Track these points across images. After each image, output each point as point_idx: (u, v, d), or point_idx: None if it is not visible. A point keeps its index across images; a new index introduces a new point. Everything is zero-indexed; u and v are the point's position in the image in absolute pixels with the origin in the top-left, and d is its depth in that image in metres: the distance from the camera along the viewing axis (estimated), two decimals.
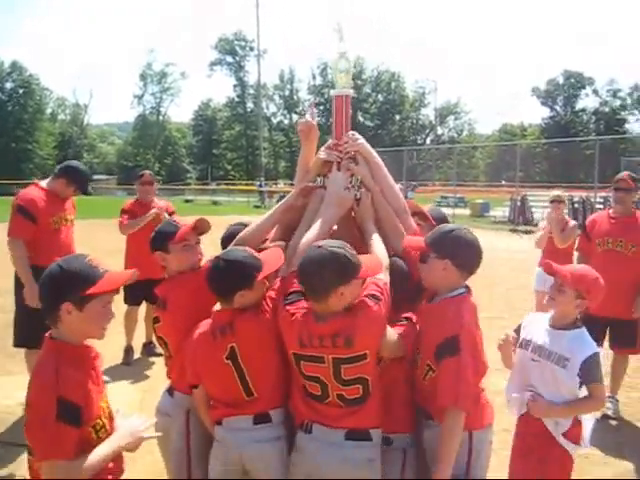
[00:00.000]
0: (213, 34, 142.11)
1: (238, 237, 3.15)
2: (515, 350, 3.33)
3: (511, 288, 11.18)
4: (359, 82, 77.54)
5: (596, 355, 3.11)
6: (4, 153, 65.44)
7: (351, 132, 3.33)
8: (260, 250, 2.99)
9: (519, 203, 25.70)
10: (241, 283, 2.77)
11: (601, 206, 20.68)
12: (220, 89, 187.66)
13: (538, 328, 3.32)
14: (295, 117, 77.93)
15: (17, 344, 5.45)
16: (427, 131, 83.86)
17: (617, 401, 5.56)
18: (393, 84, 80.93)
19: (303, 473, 2.71)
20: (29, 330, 5.08)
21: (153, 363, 6.87)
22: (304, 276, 2.65)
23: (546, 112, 74.89)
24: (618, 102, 70.57)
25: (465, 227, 2.93)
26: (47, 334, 2.34)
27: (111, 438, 2.32)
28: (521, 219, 25.18)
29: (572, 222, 7.02)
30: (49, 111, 79.39)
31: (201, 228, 3.32)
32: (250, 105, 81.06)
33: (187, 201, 43.86)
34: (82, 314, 2.25)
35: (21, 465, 4.50)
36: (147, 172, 7.50)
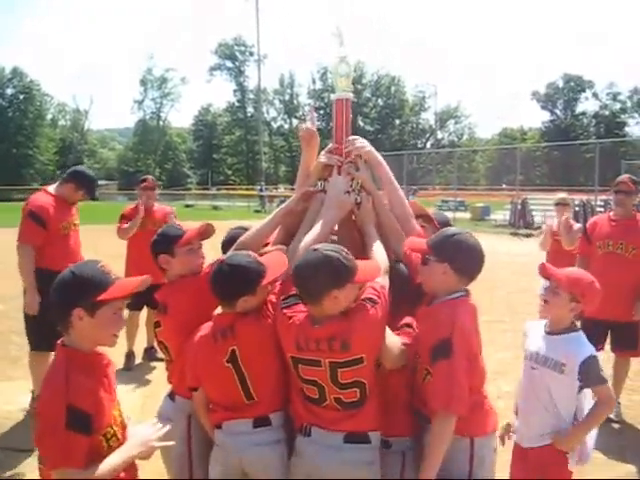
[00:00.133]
0: (213, 39, 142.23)
1: (238, 241, 3.15)
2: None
3: (512, 292, 11.17)
4: (359, 86, 77.63)
5: (593, 357, 3.08)
6: (5, 159, 65.55)
7: (358, 138, 3.33)
8: (261, 254, 2.99)
9: (520, 207, 25.71)
10: (245, 288, 2.78)
11: (602, 209, 20.68)
12: (220, 94, 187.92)
13: (535, 335, 3.31)
14: (295, 122, 78.08)
15: (35, 347, 5.45)
16: (427, 135, 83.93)
17: (619, 404, 5.54)
18: (393, 88, 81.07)
19: (302, 476, 2.71)
20: (40, 334, 5.19)
21: (154, 368, 6.87)
22: (298, 279, 2.66)
23: (546, 116, 75.13)
24: (618, 105, 70.68)
25: (468, 232, 2.90)
26: (59, 341, 2.33)
27: (122, 447, 2.29)
28: (522, 222, 25.19)
29: (577, 225, 7.01)
30: (50, 117, 79.60)
31: (207, 233, 3.34)
32: (250, 110, 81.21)
33: (187, 206, 43.93)
34: (93, 320, 2.24)
35: (20, 471, 4.50)
36: (149, 177, 7.54)
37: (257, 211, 35.80)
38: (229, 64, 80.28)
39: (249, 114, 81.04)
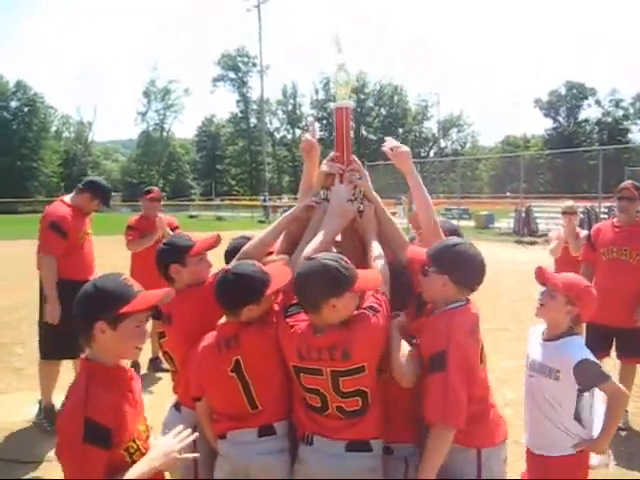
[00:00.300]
0: (216, 51, 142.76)
1: (242, 251, 3.16)
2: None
3: (517, 300, 11.14)
4: (362, 96, 77.98)
5: (586, 360, 3.06)
6: (9, 171, 65.83)
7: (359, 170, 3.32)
8: (264, 264, 3.00)
9: (524, 214, 25.68)
10: (250, 297, 2.78)
11: (606, 216, 20.63)
12: (223, 105, 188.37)
13: (534, 342, 3.33)
14: (298, 132, 78.39)
15: (46, 357, 5.52)
16: (430, 144, 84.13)
17: (626, 411, 5.51)
18: (396, 97, 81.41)
19: None
20: (53, 343, 5.33)
21: (160, 379, 6.86)
22: (297, 288, 2.66)
23: (549, 123, 75.23)
24: (621, 112, 70.74)
25: (468, 242, 2.87)
26: (83, 355, 2.32)
27: (144, 458, 2.26)
28: (526, 230, 25.15)
29: (583, 232, 7.00)
30: (54, 129, 79.97)
31: (217, 244, 3.37)
32: (253, 120, 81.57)
33: (191, 217, 44.05)
34: (116, 333, 2.23)
35: None
36: (155, 188, 7.58)
37: (261, 221, 35.80)
38: (232, 75, 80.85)
39: (252, 125, 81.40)
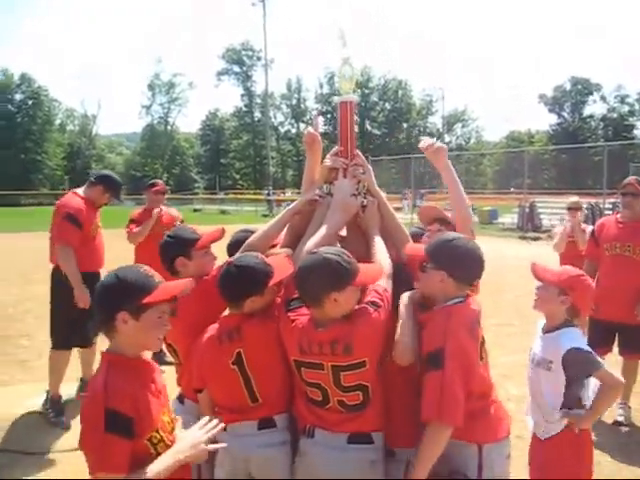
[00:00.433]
0: (220, 44, 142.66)
1: (246, 243, 3.17)
2: None
3: (520, 295, 11.12)
4: (366, 91, 77.82)
5: (577, 348, 3.09)
6: (13, 164, 65.87)
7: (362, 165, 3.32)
8: (268, 256, 3.01)
9: (527, 210, 25.67)
10: (252, 289, 2.79)
11: (610, 212, 20.60)
12: (228, 99, 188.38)
13: (537, 336, 3.37)
14: (302, 126, 78.28)
15: (57, 347, 5.63)
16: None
17: (629, 407, 5.52)
18: (400, 92, 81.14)
19: (306, 476, 2.71)
20: (66, 332, 5.50)
21: (163, 372, 6.85)
22: (299, 282, 2.67)
23: (554, 119, 74.98)
24: (626, 108, 70.50)
25: (466, 237, 2.85)
26: (105, 350, 2.31)
27: (169, 451, 2.23)
28: (530, 226, 25.14)
29: (589, 227, 6.99)
30: (58, 122, 80.00)
31: (221, 237, 3.38)
32: (258, 114, 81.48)
33: (195, 210, 44.08)
34: (138, 324, 2.22)
35: (26, 473, 4.52)
36: (160, 181, 7.62)
37: (265, 215, 35.79)
38: (236, 69, 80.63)
39: (256, 119, 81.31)
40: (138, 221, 7.05)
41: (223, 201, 52.46)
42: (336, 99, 3.40)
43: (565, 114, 73.84)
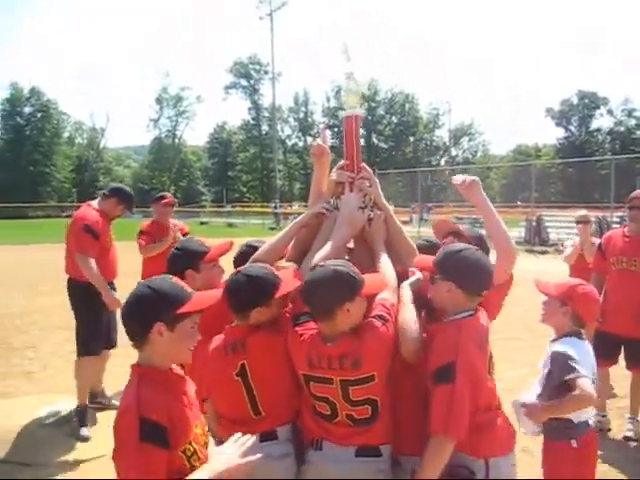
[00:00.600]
0: (228, 58, 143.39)
1: (253, 256, 3.16)
2: None
3: (528, 309, 11.00)
4: (373, 104, 78.03)
5: (562, 352, 3.17)
6: (22, 177, 66.37)
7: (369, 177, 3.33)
8: (276, 269, 3.00)
9: (535, 224, 25.60)
10: (260, 299, 2.79)
11: (617, 226, 20.54)
12: (235, 112, 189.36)
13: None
14: (310, 139, 78.55)
15: (83, 353, 5.77)
16: (441, 152, 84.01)
17: (638, 422, 5.47)
18: (407, 106, 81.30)
19: None
20: (94, 338, 5.68)
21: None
22: (309, 296, 2.66)
23: (561, 132, 74.95)
24: (633, 121, 70.37)
25: (474, 247, 2.85)
26: (135, 363, 2.27)
27: (205, 467, 2.15)
28: (537, 240, 25.05)
29: (597, 241, 6.97)
30: (66, 135, 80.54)
31: (229, 250, 3.41)
32: (265, 128, 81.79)
33: (202, 223, 44.14)
34: (173, 334, 2.19)
35: None
36: (168, 194, 7.70)
37: (272, 228, 35.79)
38: (244, 82, 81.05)
39: (264, 132, 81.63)
40: (148, 233, 7.06)
41: (230, 214, 52.58)
42: (342, 113, 3.41)
43: (572, 128, 73.82)
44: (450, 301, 2.76)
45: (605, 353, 4.94)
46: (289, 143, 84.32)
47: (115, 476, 2.07)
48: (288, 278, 2.90)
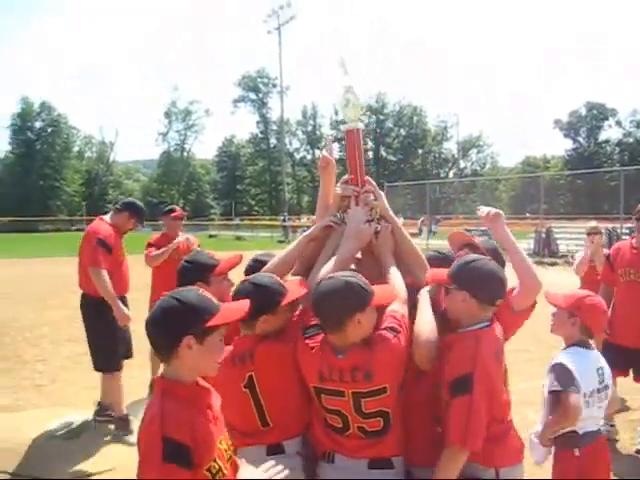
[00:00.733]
0: (236, 72, 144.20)
1: (263, 269, 3.17)
2: None
3: (538, 321, 10.94)
4: (381, 117, 78.23)
5: (560, 364, 3.22)
6: (32, 191, 66.84)
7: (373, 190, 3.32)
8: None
9: (544, 235, 25.50)
10: (266, 307, 2.79)
11: (627, 237, 20.45)
12: (243, 125, 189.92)
13: None
14: (318, 152, 78.61)
15: (108, 371, 5.80)
16: (450, 164, 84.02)
17: None
18: (415, 118, 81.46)
19: None
20: (115, 355, 5.70)
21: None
22: (319, 308, 2.66)
23: (569, 144, 74.81)
24: None
25: (487, 258, 2.88)
26: (159, 375, 2.23)
27: None
28: (546, 251, 24.95)
29: (607, 252, 6.95)
30: (76, 149, 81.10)
31: (239, 264, 3.42)
32: (273, 141, 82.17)
33: (211, 236, 44.30)
34: (202, 347, 2.12)
35: None
36: (178, 207, 7.77)
37: (280, 241, 35.81)
38: (252, 96, 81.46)
39: (272, 145, 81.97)
40: (156, 245, 7.09)
41: (239, 227, 52.71)
42: (342, 127, 3.40)
43: (581, 139, 73.68)
44: (465, 311, 2.78)
45: (614, 365, 4.90)
46: (297, 156, 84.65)
47: None
48: (294, 286, 2.92)
